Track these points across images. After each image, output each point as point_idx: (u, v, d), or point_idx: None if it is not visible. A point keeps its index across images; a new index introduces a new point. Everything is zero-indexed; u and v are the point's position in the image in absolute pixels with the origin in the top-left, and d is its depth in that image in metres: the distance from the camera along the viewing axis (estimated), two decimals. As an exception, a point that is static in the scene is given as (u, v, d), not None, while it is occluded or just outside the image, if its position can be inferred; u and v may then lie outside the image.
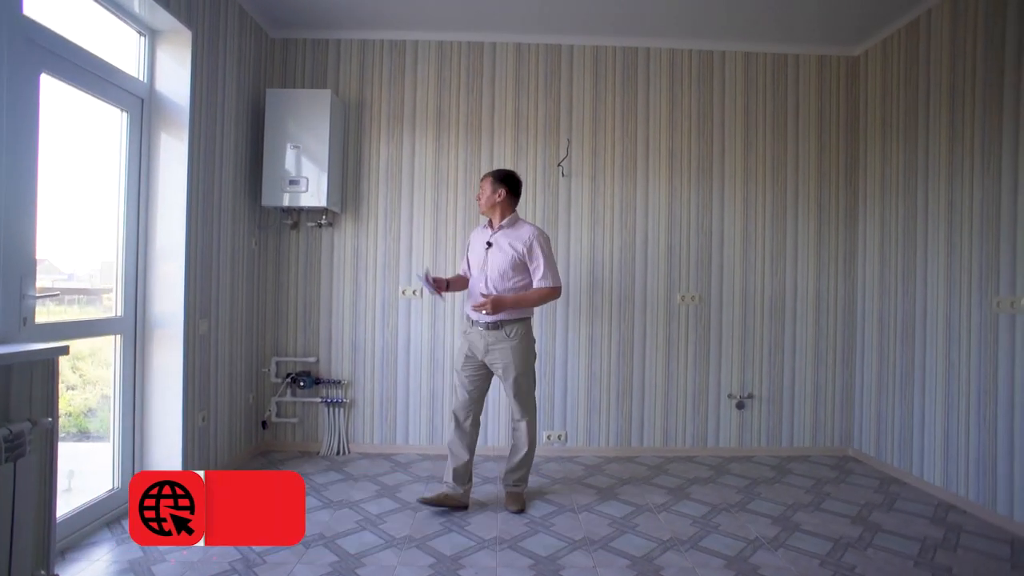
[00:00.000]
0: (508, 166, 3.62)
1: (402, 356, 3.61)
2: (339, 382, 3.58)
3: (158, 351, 2.70)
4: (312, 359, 3.59)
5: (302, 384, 3.49)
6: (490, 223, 2.77)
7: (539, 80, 3.67)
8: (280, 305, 3.62)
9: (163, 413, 2.70)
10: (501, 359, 2.64)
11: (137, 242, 2.65)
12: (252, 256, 3.46)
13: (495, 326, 2.63)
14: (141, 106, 2.64)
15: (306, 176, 3.31)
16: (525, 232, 2.66)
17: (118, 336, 2.58)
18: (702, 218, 3.70)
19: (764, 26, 3.49)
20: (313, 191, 3.31)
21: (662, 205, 3.69)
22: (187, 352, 2.73)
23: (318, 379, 3.57)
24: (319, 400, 3.56)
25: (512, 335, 2.63)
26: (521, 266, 2.65)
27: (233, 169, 3.19)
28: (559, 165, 3.62)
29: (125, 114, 2.55)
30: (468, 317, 2.76)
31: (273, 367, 3.57)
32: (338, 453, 3.53)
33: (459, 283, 2.87)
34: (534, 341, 2.77)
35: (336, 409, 3.56)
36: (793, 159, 3.73)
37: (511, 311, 2.61)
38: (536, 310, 3.63)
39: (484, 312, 2.55)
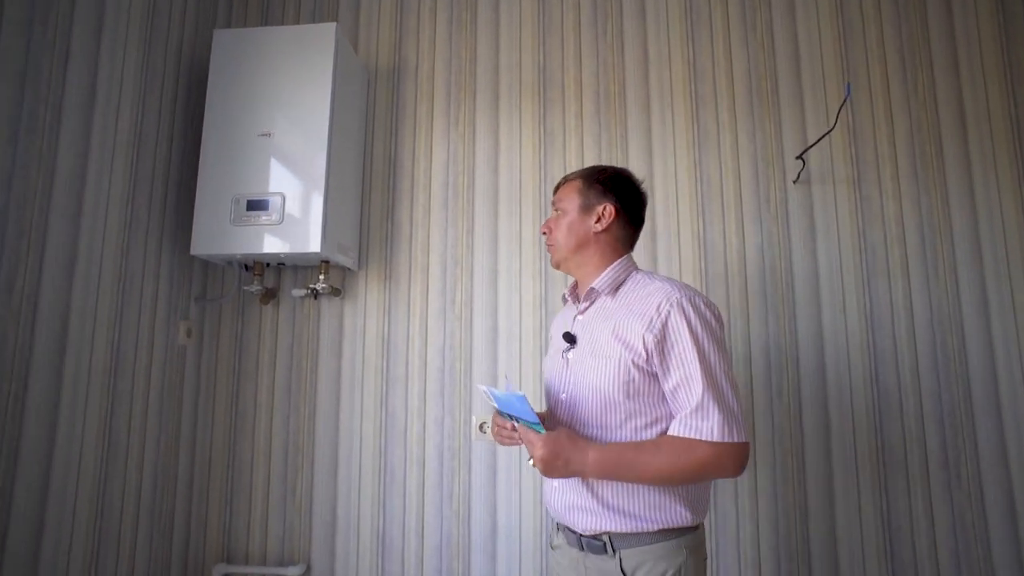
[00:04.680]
0: (683, 159, 1.84)
1: (480, 558, 1.73)
2: (351, 621, 1.71)
3: None
4: (297, 570, 1.75)
5: (275, 627, 1.64)
6: (574, 290, 1.24)
7: (728, 5, 1.93)
8: (239, 457, 1.84)
9: None
10: None
11: None
12: (178, 359, 1.75)
13: (600, 544, 1.04)
14: None
15: (281, 193, 1.62)
16: (655, 294, 1.06)
17: None
18: (1105, 253, 1.74)
19: None
20: (297, 223, 1.60)
21: (1010, 229, 1.76)
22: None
23: (309, 614, 1.72)
24: (310, 660, 1.70)
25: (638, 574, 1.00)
26: (645, 384, 1.03)
27: (125, 179, 1.54)
28: (799, 157, 1.77)
29: None
30: (552, 516, 1.23)
31: (221, 586, 1.76)
32: None
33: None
34: None
35: None
36: None
37: (610, 496, 1.04)
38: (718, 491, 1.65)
39: (530, 462, 1.03)
